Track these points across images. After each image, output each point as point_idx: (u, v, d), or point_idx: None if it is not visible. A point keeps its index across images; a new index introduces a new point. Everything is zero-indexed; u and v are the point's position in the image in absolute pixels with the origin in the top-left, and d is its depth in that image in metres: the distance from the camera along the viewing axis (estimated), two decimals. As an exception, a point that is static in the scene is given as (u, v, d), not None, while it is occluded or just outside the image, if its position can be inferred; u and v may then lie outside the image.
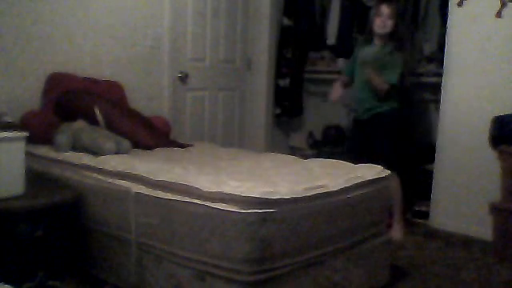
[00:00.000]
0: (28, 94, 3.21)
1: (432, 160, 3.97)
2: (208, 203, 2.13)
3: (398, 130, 3.65)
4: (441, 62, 3.93)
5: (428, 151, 4.11)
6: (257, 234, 2.02)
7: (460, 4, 3.70)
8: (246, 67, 4.79)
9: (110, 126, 3.07)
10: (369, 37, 3.65)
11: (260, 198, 2.05)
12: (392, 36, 3.55)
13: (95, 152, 2.80)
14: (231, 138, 4.70)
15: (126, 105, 3.60)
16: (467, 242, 3.58)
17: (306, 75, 5.07)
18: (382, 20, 3.49)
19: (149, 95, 3.95)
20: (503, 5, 3.51)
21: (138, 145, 3.08)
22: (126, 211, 2.45)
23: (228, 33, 4.54)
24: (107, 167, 2.62)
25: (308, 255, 2.24)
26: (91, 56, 3.55)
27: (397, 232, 3.51)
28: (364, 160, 2.88)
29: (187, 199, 2.21)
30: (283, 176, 2.45)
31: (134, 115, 3.36)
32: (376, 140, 3.57)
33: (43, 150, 2.94)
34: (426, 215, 4.02)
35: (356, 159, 2.90)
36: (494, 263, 3.20)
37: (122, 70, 3.73)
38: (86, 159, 2.75)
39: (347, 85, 3.80)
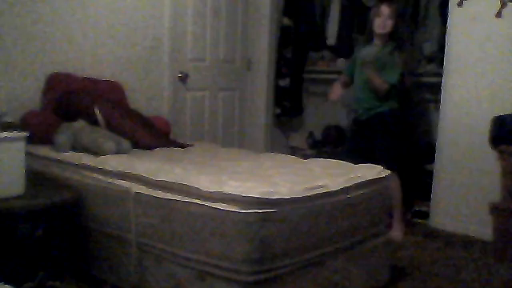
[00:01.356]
0: (28, 94, 3.21)
1: (432, 160, 3.97)
2: (208, 203, 2.13)
3: (398, 130, 3.65)
4: (441, 62, 3.94)
5: (428, 151, 4.12)
6: (257, 234, 2.02)
7: (460, 4, 3.70)
8: (246, 67, 4.79)
9: (110, 126, 3.07)
10: (369, 37, 3.65)
11: (260, 198, 2.05)
12: (392, 36, 3.55)
13: (95, 152, 2.80)
14: (231, 138, 4.70)
15: (126, 105, 3.60)
16: (467, 242, 3.58)
17: (306, 75, 5.07)
18: (382, 20, 3.50)
19: (149, 95, 3.95)
20: (503, 5, 3.51)
21: (137, 145, 3.07)
22: (126, 211, 2.45)
23: (228, 33, 4.54)
24: (107, 167, 2.62)
25: (308, 255, 2.24)
26: (91, 56, 3.55)
27: (397, 232, 3.50)
28: (364, 160, 2.88)
29: (187, 199, 2.21)
30: (283, 176, 2.45)
31: (134, 115, 3.36)
32: (376, 140, 3.57)
33: (43, 150, 2.94)
34: (426, 215, 4.02)
35: (356, 159, 2.90)
36: (494, 263, 3.20)
37: (122, 69, 3.73)
38: (85, 159, 2.75)
39: (347, 84, 3.81)
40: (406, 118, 3.90)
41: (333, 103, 4.40)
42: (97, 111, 3.08)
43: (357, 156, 3.21)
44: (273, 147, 4.76)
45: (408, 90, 4.08)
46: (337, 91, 3.79)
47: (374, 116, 3.58)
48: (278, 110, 4.97)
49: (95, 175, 2.65)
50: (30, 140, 2.56)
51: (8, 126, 2.52)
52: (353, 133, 3.94)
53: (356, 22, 4.68)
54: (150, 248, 2.39)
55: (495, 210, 3.28)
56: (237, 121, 4.77)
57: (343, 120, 4.85)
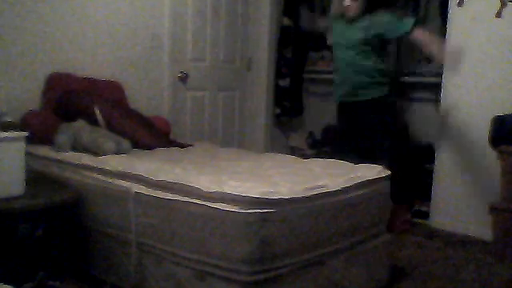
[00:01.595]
0: (28, 94, 3.21)
1: (432, 160, 3.97)
2: (208, 203, 2.13)
3: (392, 118, 3.65)
4: (441, 62, 3.94)
5: (428, 151, 4.12)
6: (257, 234, 2.02)
7: (460, 4, 3.70)
8: (246, 67, 4.79)
9: (110, 126, 3.07)
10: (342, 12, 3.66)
11: (260, 198, 2.05)
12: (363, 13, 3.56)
13: (95, 152, 2.80)
14: (231, 138, 4.70)
15: (126, 105, 3.60)
16: (467, 242, 3.58)
17: (306, 75, 5.07)
18: (346, 2, 3.53)
19: (149, 95, 3.95)
20: (503, 5, 3.51)
21: (137, 145, 3.08)
22: (126, 211, 2.45)
23: (228, 33, 4.54)
24: (107, 167, 2.62)
25: (308, 255, 2.24)
26: (91, 56, 3.55)
27: None
28: (357, 156, 2.90)
29: (187, 199, 2.21)
30: (283, 176, 2.45)
31: (134, 115, 3.36)
32: (375, 140, 3.58)
33: (43, 150, 2.94)
34: (426, 215, 4.02)
35: (348, 155, 2.93)
36: (494, 263, 3.20)
37: (122, 69, 3.73)
38: (85, 159, 2.75)
39: None
40: (394, 104, 3.90)
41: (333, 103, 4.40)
42: (97, 111, 3.08)
43: (351, 153, 3.23)
44: (273, 147, 4.76)
45: (398, 73, 4.13)
46: None
47: (364, 102, 3.57)
48: (278, 110, 4.97)
49: (95, 175, 2.65)
50: (30, 140, 2.56)
51: (8, 126, 2.52)
52: (341, 121, 3.88)
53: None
54: (149, 248, 2.39)
55: (495, 210, 3.28)
56: (237, 121, 4.77)
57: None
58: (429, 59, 4.18)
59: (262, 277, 2.07)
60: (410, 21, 3.47)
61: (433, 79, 4.13)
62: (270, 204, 2.06)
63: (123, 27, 3.73)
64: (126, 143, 2.93)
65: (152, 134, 3.28)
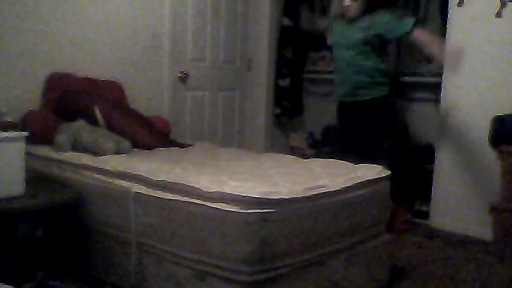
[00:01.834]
0: (28, 94, 3.21)
1: (432, 160, 3.97)
2: (208, 203, 2.13)
3: (392, 118, 3.66)
4: (441, 62, 3.94)
5: (428, 151, 4.12)
6: (257, 234, 2.02)
7: (460, 4, 3.70)
8: (246, 67, 4.79)
9: (110, 126, 3.07)
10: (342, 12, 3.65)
11: (260, 198, 2.05)
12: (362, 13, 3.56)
13: (95, 152, 2.80)
14: (231, 138, 4.70)
15: (126, 105, 3.60)
16: (467, 242, 3.58)
17: (306, 75, 5.07)
18: (346, 2, 3.53)
19: (149, 95, 3.95)
20: (503, 5, 3.51)
21: (137, 145, 3.08)
22: (126, 211, 2.45)
23: (228, 33, 4.54)
24: (107, 167, 2.62)
25: (308, 255, 2.24)
26: (91, 56, 3.55)
27: None
28: (358, 156, 2.90)
29: (187, 199, 2.21)
30: (283, 176, 2.45)
31: (134, 115, 3.36)
32: (375, 140, 3.58)
33: (43, 150, 2.94)
34: (426, 215, 4.02)
35: (350, 156, 2.93)
36: (494, 263, 3.20)
37: (122, 69, 3.73)
38: (85, 159, 2.75)
39: None
40: (394, 104, 3.90)
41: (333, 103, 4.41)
42: (97, 111, 3.08)
43: (351, 153, 3.23)
44: (273, 147, 4.76)
45: (398, 74, 4.14)
46: None
47: (364, 102, 3.57)
48: (278, 110, 4.97)
49: (95, 175, 2.65)
50: (30, 140, 2.56)
51: (8, 126, 2.52)
52: (341, 121, 3.87)
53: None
54: (149, 248, 2.39)
55: (495, 210, 3.28)
56: (237, 121, 4.77)
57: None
58: (429, 59, 4.19)
59: (262, 277, 2.07)
60: (409, 21, 3.47)
61: (433, 79, 4.14)
62: (270, 204, 2.06)
63: (123, 27, 3.73)
64: (126, 143, 2.93)
65: (152, 134, 3.28)
